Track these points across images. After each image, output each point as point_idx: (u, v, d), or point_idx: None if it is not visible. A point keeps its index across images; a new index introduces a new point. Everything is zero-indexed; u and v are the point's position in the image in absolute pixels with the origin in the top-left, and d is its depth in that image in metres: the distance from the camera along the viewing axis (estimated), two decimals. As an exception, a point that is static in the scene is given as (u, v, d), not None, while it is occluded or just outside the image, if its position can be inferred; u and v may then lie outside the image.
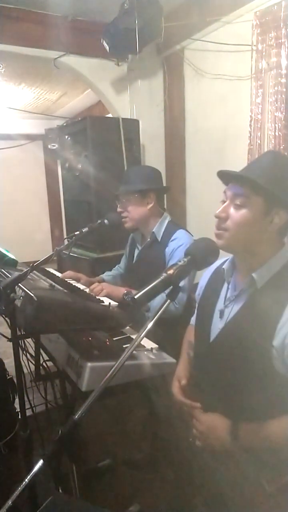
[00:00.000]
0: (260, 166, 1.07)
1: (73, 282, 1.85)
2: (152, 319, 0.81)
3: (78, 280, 1.91)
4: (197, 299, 1.34)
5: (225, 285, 1.18)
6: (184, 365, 1.33)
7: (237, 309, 1.09)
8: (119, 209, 1.85)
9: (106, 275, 2.14)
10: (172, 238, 1.76)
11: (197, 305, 1.34)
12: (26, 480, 0.60)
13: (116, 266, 2.20)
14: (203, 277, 1.33)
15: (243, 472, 1.04)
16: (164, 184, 2.27)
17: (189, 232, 1.82)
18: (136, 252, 1.98)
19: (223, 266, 1.18)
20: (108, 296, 1.65)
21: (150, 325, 0.81)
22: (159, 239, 1.81)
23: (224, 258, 1.24)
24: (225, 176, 1.12)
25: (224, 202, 1.07)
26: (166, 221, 1.85)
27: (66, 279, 1.86)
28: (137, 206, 1.81)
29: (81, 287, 1.79)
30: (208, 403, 1.11)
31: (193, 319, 1.43)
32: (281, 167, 1.04)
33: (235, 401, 1.06)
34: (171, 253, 1.74)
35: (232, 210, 1.04)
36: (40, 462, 0.63)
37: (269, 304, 1.01)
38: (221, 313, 1.14)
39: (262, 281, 1.04)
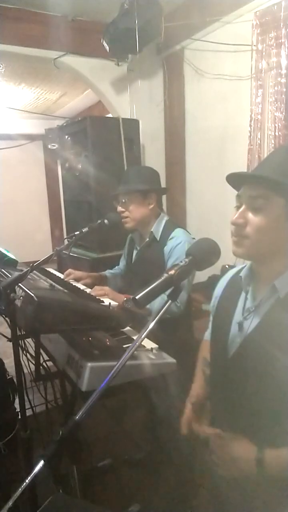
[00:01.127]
0: (275, 163, 0.95)
1: (73, 282, 1.85)
2: (154, 319, 0.81)
3: (78, 280, 1.91)
4: (212, 311, 1.23)
5: (243, 295, 1.07)
6: (200, 384, 1.21)
7: (257, 321, 0.99)
8: (119, 209, 1.84)
9: (108, 272, 2.14)
10: (170, 236, 1.77)
11: (212, 318, 1.24)
12: (27, 480, 0.60)
13: (116, 267, 2.21)
14: (218, 287, 1.22)
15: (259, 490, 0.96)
16: (164, 184, 2.28)
17: (187, 231, 1.82)
18: (135, 252, 1.98)
19: (240, 274, 1.08)
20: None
21: (151, 325, 0.81)
22: (158, 238, 1.81)
23: (239, 266, 1.16)
24: (237, 179, 0.99)
25: (239, 207, 0.96)
26: (164, 221, 1.85)
27: (66, 279, 1.86)
28: (138, 206, 1.80)
29: (81, 287, 1.79)
30: (228, 426, 1.01)
31: (207, 334, 1.34)
32: None
33: (258, 424, 0.96)
34: (169, 252, 1.74)
35: (250, 215, 0.93)
36: (41, 462, 0.63)
37: None
38: (240, 325, 1.03)
39: (286, 289, 0.94)
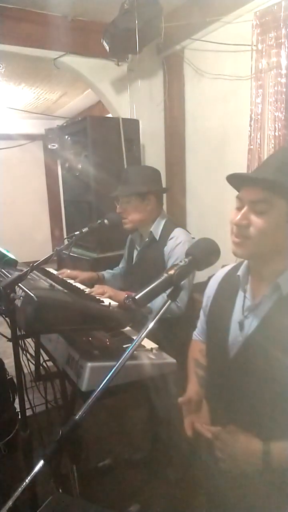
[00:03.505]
0: (276, 164, 0.95)
1: (73, 282, 1.85)
2: (153, 319, 0.81)
3: (74, 278, 1.92)
4: (205, 311, 1.23)
5: (241, 293, 1.07)
6: (195, 387, 1.19)
7: (259, 319, 0.99)
8: (118, 210, 1.84)
9: (107, 272, 2.14)
10: (170, 236, 1.77)
11: (205, 318, 1.23)
12: (27, 480, 0.60)
13: (116, 267, 2.20)
14: (209, 287, 1.22)
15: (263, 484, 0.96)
16: (164, 184, 2.27)
17: (187, 231, 1.82)
18: (135, 253, 1.98)
19: (238, 273, 1.08)
20: (110, 299, 1.66)
21: (151, 325, 0.81)
22: (157, 238, 1.81)
23: (230, 265, 1.16)
24: (238, 180, 1.00)
25: (239, 208, 0.96)
26: (164, 221, 1.85)
27: (65, 279, 1.86)
28: (136, 208, 1.80)
29: (81, 287, 1.79)
30: (231, 423, 1.01)
31: (197, 334, 1.34)
32: None
33: (263, 419, 0.96)
34: (169, 252, 1.74)
35: (253, 217, 0.93)
36: (41, 462, 0.63)
37: None
38: (241, 325, 1.03)
39: None
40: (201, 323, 1.31)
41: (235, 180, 1.00)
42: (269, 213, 0.91)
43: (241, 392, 1.01)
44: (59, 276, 1.91)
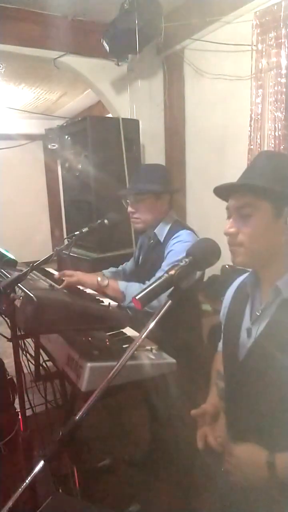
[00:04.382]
0: (255, 169, 1.00)
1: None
2: (154, 320, 0.81)
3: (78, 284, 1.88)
4: (222, 321, 1.23)
5: (250, 301, 1.08)
6: (214, 399, 1.18)
7: (264, 324, 0.99)
8: (130, 210, 1.76)
9: (108, 270, 2.11)
10: (174, 237, 1.71)
11: (222, 327, 1.23)
12: (27, 481, 0.60)
13: (122, 265, 2.16)
14: (226, 297, 1.23)
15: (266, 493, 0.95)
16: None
17: (195, 233, 1.74)
18: (142, 254, 1.94)
19: (245, 281, 1.10)
20: (79, 283, 1.61)
21: (151, 325, 0.81)
22: (162, 240, 1.75)
23: (245, 274, 1.16)
24: (223, 191, 1.02)
25: (229, 218, 1.00)
26: (171, 222, 1.78)
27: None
28: (150, 208, 1.72)
29: (81, 287, 1.79)
30: (240, 430, 1.01)
31: (220, 346, 1.30)
32: (278, 164, 0.98)
33: (269, 427, 0.96)
34: (168, 248, 1.69)
35: (240, 223, 0.96)
36: (41, 462, 0.63)
37: None
38: (249, 331, 1.04)
39: None
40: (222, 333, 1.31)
41: (221, 191, 1.03)
42: (255, 217, 0.94)
43: (250, 396, 1.01)
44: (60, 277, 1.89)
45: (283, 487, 0.90)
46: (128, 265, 2.13)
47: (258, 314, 1.02)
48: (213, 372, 1.29)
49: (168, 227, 1.75)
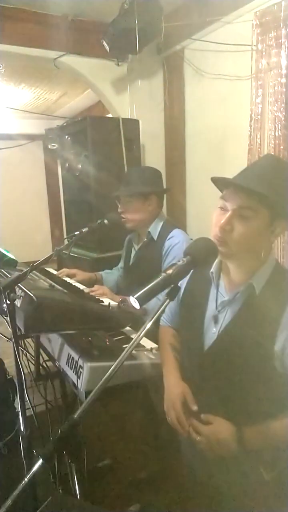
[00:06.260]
0: (264, 175, 1.01)
1: (72, 282, 1.85)
2: (151, 319, 0.81)
3: (73, 276, 1.93)
4: (177, 301, 1.27)
5: (213, 288, 1.14)
6: (178, 375, 1.22)
7: (232, 314, 1.07)
8: (120, 210, 1.86)
9: (105, 272, 2.14)
10: (168, 237, 1.78)
11: (179, 309, 1.29)
12: (26, 479, 0.60)
13: (116, 267, 2.20)
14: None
15: (241, 464, 1.04)
16: (164, 184, 2.27)
17: (185, 232, 1.84)
18: (133, 253, 1.98)
19: (211, 270, 1.14)
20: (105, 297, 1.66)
21: (149, 325, 0.81)
22: (155, 238, 1.82)
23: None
24: (223, 183, 1.05)
25: (222, 208, 1.03)
26: (162, 221, 1.86)
27: (64, 278, 1.86)
28: (138, 208, 1.82)
29: (81, 287, 1.79)
30: (207, 411, 1.08)
31: (165, 320, 1.39)
32: (282, 175, 1.01)
33: (236, 407, 1.04)
34: (167, 251, 1.75)
35: (236, 222, 0.99)
36: (40, 461, 0.63)
37: (268, 308, 1.00)
38: (215, 318, 1.10)
39: (259, 286, 1.04)
40: (170, 309, 1.36)
41: (220, 182, 1.06)
42: (253, 220, 0.98)
43: (215, 383, 1.08)
44: (59, 276, 1.91)
45: (250, 456, 1.02)
46: (120, 266, 2.16)
47: (225, 302, 1.08)
48: (165, 345, 1.32)
49: (160, 226, 1.84)
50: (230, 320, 1.07)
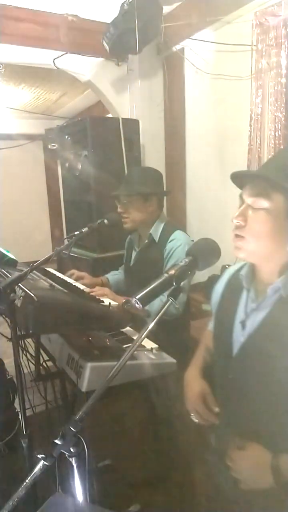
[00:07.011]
0: (276, 162, 0.96)
1: (73, 282, 1.85)
2: (154, 320, 0.81)
3: (81, 279, 1.92)
4: (213, 308, 1.22)
5: (244, 293, 1.06)
6: (198, 368, 1.20)
7: (260, 320, 0.98)
8: (119, 210, 1.85)
9: (111, 274, 2.14)
10: (170, 238, 1.77)
11: (214, 313, 1.22)
12: (27, 480, 0.60)
13: (117, 271, 2.20)
14: (218, 284, 1.21)
15: (275, 497, 0.92)
16: (164, 184, 2.27)
17: (186, 233, 1.83)
18: (134, 254, 1.98)
19: (241, 273, 1.07)
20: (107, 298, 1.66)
21: (151, 325, 0.81)
22: (157, 240, 1.82)
23: (239, 264, 1.15)
24: (239, 178, 0.99)
25: (241, 207, 0.97)
26: (163, 223, 1.85)
27: (64, 278, 1.86)
28: (138, 209, 1.81)
29: (81, 287, 1.79)
30: (239, 432, 0.98)
31: (211, 325, 1.31)
32: None
33: (270, 428, 0.93)
34: (169, 253, 1.74)
35: (250, 213, 0.92)
36: (41, 462, 0.63)
37: None
38: (243, 324, 1.02)
39: None
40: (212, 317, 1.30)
41: (237, 178, 0.99)
42: (266, 209, 0.90)
43: (243, 392, 1.00)
44: (68, 277, 1.91)
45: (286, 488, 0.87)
46: (122, 267, 2.16)
47: (253, 307, 1.00)
48: (202, 345, 1.28)
49: (161, 227, 1.83)
50: (257, 326, 0.99)
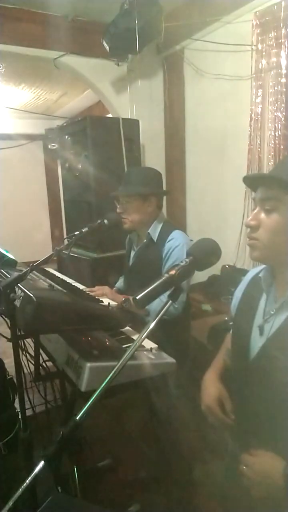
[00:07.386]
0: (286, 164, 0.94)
1: (72, 282, 1.86)
2: (154, 320, 0.81)
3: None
4: (233, 311, 1.20)
5: (264, 296, 1.05)
6: (217, 371, 1.19)
7: (278, 324, 0.96)
8: (118, 210, 1.85)
9: (120, 282, 2.13)
10: (169, 238, 1.76)
11: (233, 317, 1.21)
12: (27, 481, 0.60)
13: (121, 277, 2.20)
14: (239, 288, 1.20)
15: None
16: (164, 184, 2.28)
17: (185, 233, 1.82)
18: (132, 253, 1.98)
19: (260, 275, 1.06)
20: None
21: (152, 325, 0.80)
22: (155, 239, 1.81)
23: (260, 266, 1.13)
24: (252, 181, 0.99)
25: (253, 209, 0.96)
26: (162, 223, 1.85)
27: (64, 278, 1.86)
28: (137, 209, 1.80)
29: (81, 287, 1.79)
30: (254, 438, 0.97)
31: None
32: None
33: (284, 432, 0.90)
34: (168, 253, 1.74)
35: (263, 216, 0.92)
36: (41, 463, 0.63)
37: None
38: (261, 329, 1.01)
39: None
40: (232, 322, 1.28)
41: (250, 181, 0.99)
42: (279, 212, 0.89)
43: (260, 397, 0.99)
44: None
45: None
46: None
47: (272, 312, 0.99)
48: (223, 348, 1.26)
49: (160, 227, 1.83)
50: (275, 331, 0.97)
